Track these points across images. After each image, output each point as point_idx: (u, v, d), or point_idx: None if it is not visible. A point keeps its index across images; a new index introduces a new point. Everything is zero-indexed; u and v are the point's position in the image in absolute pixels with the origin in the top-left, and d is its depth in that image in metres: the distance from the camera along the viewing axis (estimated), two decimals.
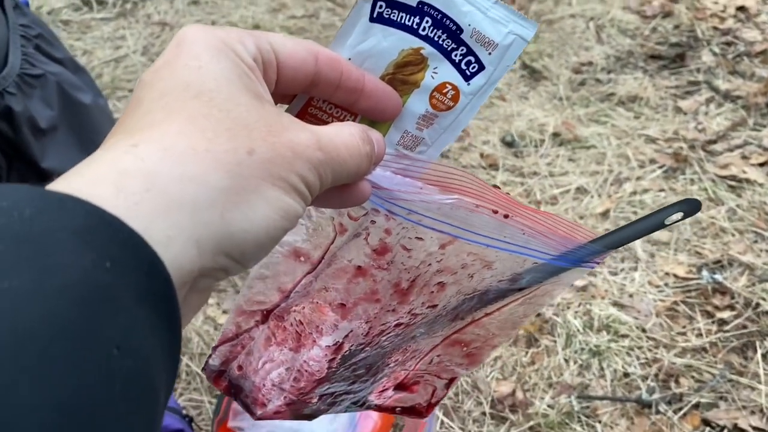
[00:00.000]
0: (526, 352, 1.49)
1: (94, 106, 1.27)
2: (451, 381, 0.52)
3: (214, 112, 0.27)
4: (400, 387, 0.52)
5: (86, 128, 1.24)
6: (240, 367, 0.47)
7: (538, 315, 1.56)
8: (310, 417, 0.49)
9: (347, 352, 0.44)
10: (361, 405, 0.52)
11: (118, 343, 0.20)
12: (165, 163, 0.25)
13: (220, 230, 0.25)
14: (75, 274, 0.20)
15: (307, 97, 0.36)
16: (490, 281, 0.42)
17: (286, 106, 0.36)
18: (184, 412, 1.30)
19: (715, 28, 2.44)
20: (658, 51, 2.36)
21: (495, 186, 0.38)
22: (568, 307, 1.57)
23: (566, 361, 1.48)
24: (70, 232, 0.21)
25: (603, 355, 1.48)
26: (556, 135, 2.04)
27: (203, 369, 0.49)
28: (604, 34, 2.44)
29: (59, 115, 1.19)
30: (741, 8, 2.50)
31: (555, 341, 1.51)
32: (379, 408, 0.52)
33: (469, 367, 0.51)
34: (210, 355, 0.48)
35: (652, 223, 0.39)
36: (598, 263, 0.41)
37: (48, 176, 1.11)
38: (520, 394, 1.41)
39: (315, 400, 0.47)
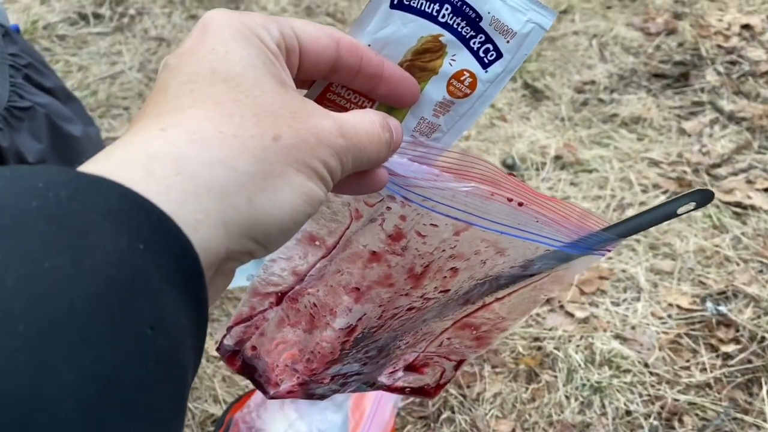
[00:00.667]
0: (527, 388, 1.46)
1: (84, 137, 1.24)
2: (459, 363, 0.53)
3: (241, 97, 0.28)
4: (410, 368, 0.53)
5: (76, 160, 1.21)
6: (254, 348, 0.47)
7: (539, 349, 1.53)
8: (322, 397, 0.50)
9: (360, 335, 0.45)
10: (372, 385, 0.53)
11: (151, 324, 0.21)
12: (194, 147, 0.25)
13: (247, 214, 0.26)
14: (111, 255, 0.20)
15: (327, 82, 0.36)
16: (502, 267, 0.42)
17: (305, 92, 0.36)
18: None
19: (720, 47, 2.41)
20: (661, 70, 2.33)
21: (510, 174, 0.38)
22: (570, 341, 1.54)
23: (567, 397, 1.44)
24: (105, 213, 0.21)
25: (605, 392, 1.45)
26: (557, 158, 2.00)
27: (217, 348, 0.49)
28: (608, 52, 2.41)
29: (48, 148, 1.16)
30: (746, 26, 2.47)
31: (556, 377, 1.48)
32: (388, 388, 0.53)
33: (478, 349, 0.51)
34: (224, 335, 0.48)
35: (665, 212, 0.40)
36: (609, 251, 0.42)
37: None
38: None
39: (327, 381, 0.48)
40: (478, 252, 0.41)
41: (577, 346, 1.53)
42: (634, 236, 1.75)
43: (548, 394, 1.45)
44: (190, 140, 0.26)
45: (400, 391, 0.54)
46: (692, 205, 0.39)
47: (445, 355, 0.52)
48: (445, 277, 0.43)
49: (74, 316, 0.19)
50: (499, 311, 0.47)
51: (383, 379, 0.53)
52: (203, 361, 1.51)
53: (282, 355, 0.46)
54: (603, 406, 1.43)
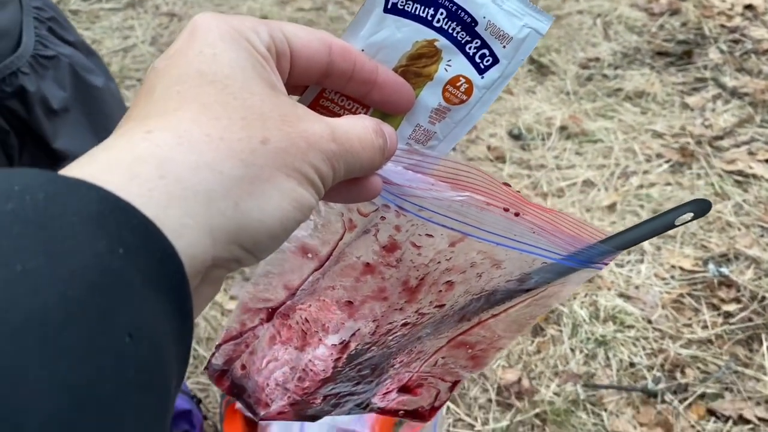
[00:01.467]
0: (532, 341, 1.49)
1: (105, 89, 1.27)
2: (454, 384, 0.51)
3: (229, 100, 0.27)
4: (404, 390, 0.51)
5: (97, 110, 1.25)
6: (243, 367, 0.46)
7: None
8: (314, 418, 0.48)
9: (353, 352, 0.43)
10: (365, 407, 0.51)
11: (130, 331, 0.20)
12: (179, 150, 0.25)
13: (234, 220, 0.25)
14: (88, 259, 0.20)
15: (319, 88, 0.35)
16: (498, 281, 0.41)
17: (298, 98, 0.36)
18: (191, 393, 1.31)
19: (723, 26, 2.44)
20: (665, 48, 2.37)
21: (505, 183, 0.38)
22: (574, 298, 1.57)
23: (572, 350, 1.48)
24: (84, 217, 0.20)
25: (609, 345, 1.49)
26: (563, 128, 2.04)
27: (206, 368, 0.47)
28: (612, 31, 2.45)
29: (71, 96, 1.20)
30: (748, 6, 2.51)
31: (561, 331, 1.51)
32: (382, 411, 0.52)
33: (474, 369, 0.50)
34: (213, 354, 0.47)
35: (662, 223, 0.39)
36: (606, 264, 0.41)
37: (59, 157, 1.12)
38: (526, 382, 1.42)
39: (319, 401, 0.47)
40: (474, 264, 0.40)
41: (582, 302, 1.57)
42: (638, 202, 1.79)
43: (553, 347, 1.48)
44: (176, 143, 0.25)
45: (393, 413, 0.53)
46: (690, 215, 0.38)
47: (440, 376, 0.51)
48: (441, 291, 0.41)
49: (47, 321, 0.18)
50: (495, 328, 0.46)
51: (377, 400, 0.51)
52: (218, 314, 1.55)
53: (273, 373, 0.45)
54: (607, 358, 1.47)
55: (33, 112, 1.14)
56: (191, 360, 1.48)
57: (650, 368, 1.45)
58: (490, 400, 1.40)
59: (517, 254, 0.39)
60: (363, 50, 0.35)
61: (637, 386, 1.42)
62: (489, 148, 1.99)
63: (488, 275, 0.41)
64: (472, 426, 1.37)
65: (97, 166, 0.24)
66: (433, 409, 0.53)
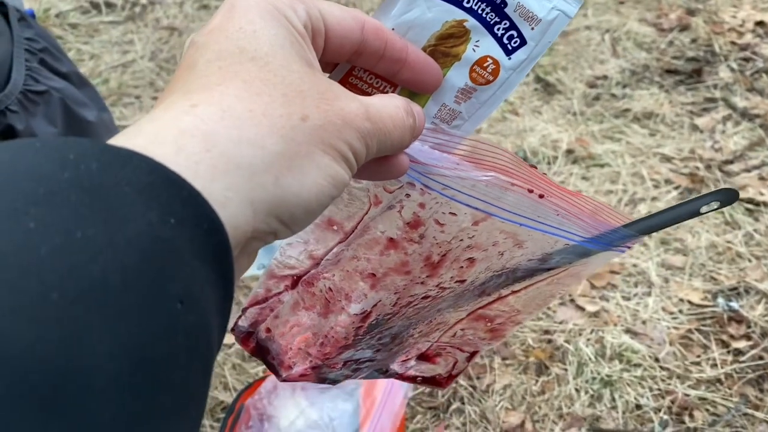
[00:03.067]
0: (536, 381, 1.45)
1: (98, 122, 1.24)
2: (472, 354, 0.53)
3: (270, 77, 0.27)
4: (423, 357, 0.52)
5: None
6: (268, 330, 0.47)
7: (549, 342, 1.53)
8: (334, 381, 0.50)
9: (374, 321, 0.44)
10: (384, 372, 0.52)
11: (181, 297, 0.21)
12: (223, 124, 0.25)
13: (274, 193, 0.26)
14: (142, 228, 0.20)
15: (349, 66, 0.36)
16: (519, 259, 0.42)
17: (328, 75, 0.36)
18: None
19: (733, 43, 2.39)
20: (674, 66, 2.32)
21: (532, 165, 0.38)
22: (580, 334, 1.54)
23: (577, 391, 1.44)
24: (136, 187, 0.21)
25: (615, 385, 1.45)
26: (569, 152, 2.00)
27: (232, 330, 0.48)
28: (620, 47, 2.40)
29: (62, 132, 1.17)
30: (760, 23, 2.46)
31: (566, 369, 1.48)
32: (400, 377, 0.53)
33: (492, 341, 0.51)
34: (240, 316, 0.48)
35: (688, 210, 0.39)
36: (629, 248, 0.41)
37: None
38: (529, 426, 1.38)
39: (339, 366, 0.48)
40: (496, 243, 0.40)
41: (588, 339, 1.53)
42: None
43: (558, 387, 1.44)
44: (220, 117, 0.25)
45: (411, 379, 0.54)
46: (716, 204, 0.38)
47: (458, 346, 0.52)
48: (462, 267, 0.42)
49: (107, 288, 0.19)
50: (515, 304, 0.47)
51: (395, 366, 0.53)
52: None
53: (296, 338, 0.46)
54: (613, 399, 1.43)
55: None
56: None
57: (657, 410, 1.41)
58: None
59: (539, 235, 0.39)
60: (393, 29, 0.36)
61: (643, 430, 1.38)
62: None
63: (510, 254, 0.41)
64: None
65: (145, 138, 0.24)
66: (450, 377, 0.54)
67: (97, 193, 0.20)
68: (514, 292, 0.46)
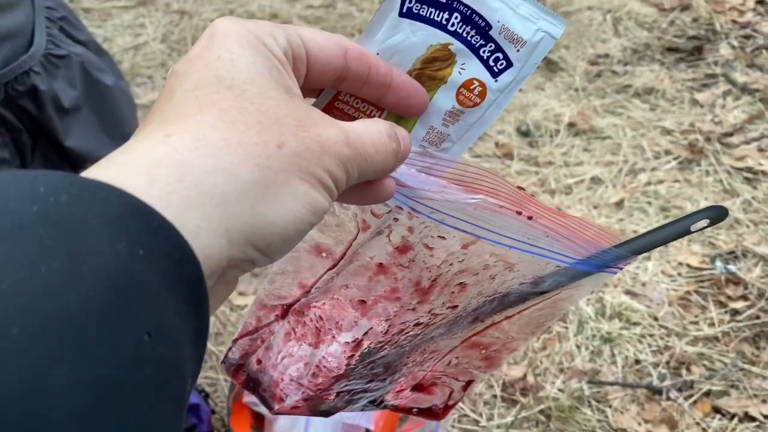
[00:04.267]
0: (538, 338, 1.50)
1: (115, 87, 1.29)
2: (468, 384, 0.52)
3: (246, 105, 0.27)
4: (418, 388, 0.52)
5: (108, 109, 1.27)
6: (259, 361, 0.47)
7: None
8: (327, 413, 0.49)
9: (366, 350, 0.44)
10: (378, 404, 0.51)
11: (149, 330, 0.20)
12: (198, 154, 0.25)
13: (250, 222, 0.26)
14: (109, 260, 0.20)
15: (335, 91, 0.36)
16: (511, 283, 0.41)
17: (314, 100, 0.36)
18: (200, 387, 1.33)
19: (734, 22, 2.43)
20: (675, 44, 2.36)
21: (519, 187, 0.38)
22: None
23: (578, 347, 1.49)
24: (105, 219, 0.21)
25: (614, 342, 1.49)
26: (571, 125, 2.04)
27: (222, 362, 0.49)
28: (622, 27, 2.44)
29: (82, 95, 1.22)
30: (761, 2, 2.49)
31: (567, 327, 1.52)
32: (395, 408, 0.52)
33: (487, 370, 0.50)
34: (230, 348, 0.48)
35: (678, 229, 0.39)
36: (621, 269, 0.41)
37: (71, 154, 1.13)
38: (531, 378, 1.42)
39: (332, 397, 0.47)
40: (487, 267, 0.40)
41: (588, 299, 1.57)
42: (646, 199, 1.78)
43: (559, 344, 1.49)
44: (194, 147, 0.25)
45: (407, 411, 0.53)
46: (706, 221, 0.38)
47: (453, 375, 0.51)
48: (453, 292, 0.42)
49: (70, 321, 0.19)
50: (509, 330, 0.46)
51: (390, 398, 0.52)
52: (227, 309, 1.57)
53: (287, 369, 0.46)
54: (613, 355, 1.47)
55: (45, 111, 1.16)
56: None
57: (656, 365, 1.46)
58: (495, 396, 1.41)
59: (530, 257, 0.39)
60: (378, 53, 0.36)
61: (642, 383, 1.43)
62: (497, 144, 2.00)
63: (501, 277, 0.41)
64: (476, 422, 1.38)
65: (117, 169, 0.24)
66: (447, 408, 0.53)
67: (65, 226, 0.20)
68: (507, 317, 0.45)
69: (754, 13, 2.45)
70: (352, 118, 0.36)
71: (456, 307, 0.43)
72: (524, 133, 2.02)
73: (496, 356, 0.49)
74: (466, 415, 1.39)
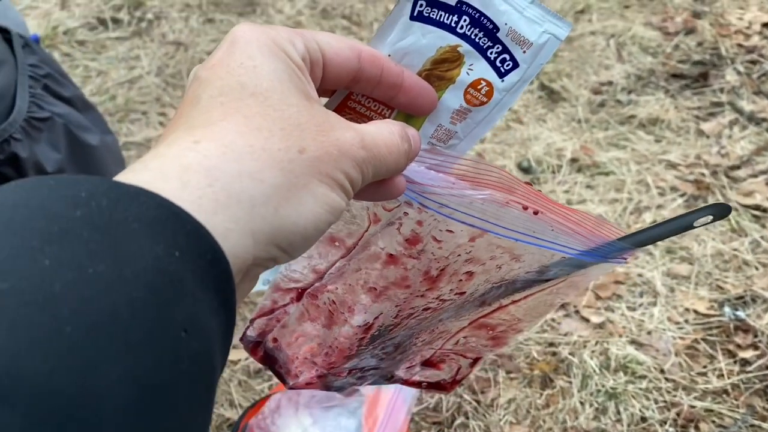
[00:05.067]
0: (541, 394, 1.45)
1: (101, 146, 1.26)
2: (476, 360, 0.54)
3: (269, 111, 0.29)
4: (427, 364, 0.54)
5: (93, 170, 1.24)
6: (275, 339, 0.49)
7: (554, 354, 1.52)
8: (340, 389, 0.51)
9: (376, 332, 0.45)
10: (389, 379, 0.54)
11: (185, 327, 0.22)
12: (225, 159, 0.27)
13: (273, 223, 0.27)
14: (149, 262, 0.22)
15: (348, 91, 0.37)
16: (517, 272, 0.43)
17: (327, 100, 0.38)
18: None
19: (740, 46, 2.37)
20: (680, 70, 2.31)
21: (527, 182, 0.39)
22: (585, 346, 1.53)
23: (582, 403, 1.44)
24: (143, 223, 0.23)
25: (620, 397, 1.44)
26: (574, 160, 1.99)
27: (241, 339, 0.50)
28: (625, 52, 2.39)
29: (66, 158, 1.18)
30: (767, 25, 2.43)
31: (571, 382, 1.48)
32: (405, 382, 0.55)
33: (494, 348, 0.52)
34: (248, 327, 0.50)
35: (682, 224, 0.40)
36: (625, 260, 0.42)
37: None
38: None
39: (345, 374, 0.49)
40: (494, 257, 0.41)
41: (593, 351, 1.52)
42: None
43: (563, 400, 1.44)
44: (221, 153, 0.27)
45: (416, 385, 0.55)
46: (709, 218, 0.39)
47: (461, 353, 0.53)
48: (461, 280, 0.43)
49: (116, 320, 0.20)
50: (515, 313, 0.48)
51: (400, 373, 0.54)
52: None
53: (302, 347, 0.48)
54: (618, 412, 1.43)
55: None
56: None
57: (663, 423, 1.41)
58: None
59: (536, 249, 0.40)
60: (390, 55, 0.37)
61: None
62: None
63: (508, 267, 0.42)
64: None
65: (150, 174, 0.26)
66: (455, 382, 0.55)
67: (107, 230, 0.22)
68: (514, 301, 0.47)
69: (761, 36, 2.40)
70: (364, 117, 0.38)
71: (463, 293, 0.44)
72: (525, 170, 1.97)
73: (503, 336, 0.51)
74: None
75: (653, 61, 2.34)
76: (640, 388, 1.46)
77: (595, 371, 1.49)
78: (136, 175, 0.26)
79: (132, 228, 0.22)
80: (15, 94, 1.12)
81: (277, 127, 0.28)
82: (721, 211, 0.40)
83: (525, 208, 0.39)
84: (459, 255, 0.41)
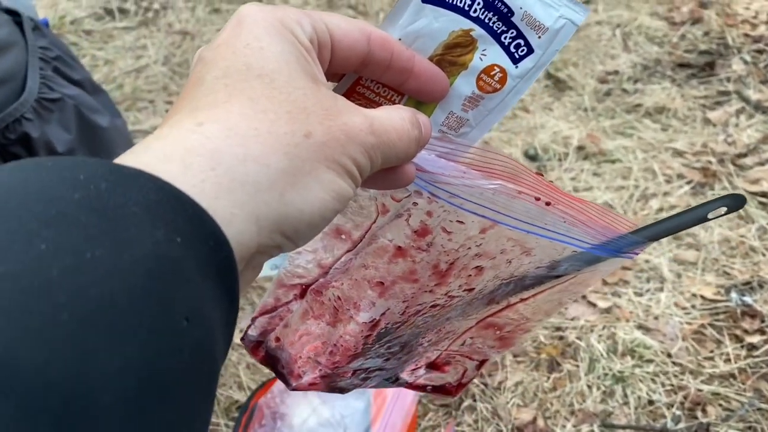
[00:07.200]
0: (548, 378, 1.46)
1: (111, 127, 1.26)
2: (482, 363, 0.53)
3: (275, 94, 0.28)
4: (432, 366, 0.53)
5: (104, 151, 1.24)
6: (278, 339, 0.47)
7: (561, 339, 1.53)
8: (344, 390, 0.50)
9: (383, 330, 0.44)
10: (393, 381, 0.53)
11: (187, 315, 0.21)
12: (229, 142, 0.26)
13: (278, 210, 0.26)
14: (149, 247, 0.21)
15: (356, 76, 0.36)
16: (527, 267, 0.42)
17: (335, 85, 0.36)
18: None
19: (747, 35, 2.37)
20: (686, 59, 2.31)
21: (538, 173, 0.38)
22: (592, 331, 1.54)
23: (589, 387, 1.44)
24: (143, 206, 0.22)
25: (627, 381, 1.45)
26: (580, 148, 1.99)
27: (242, 339, 0.49)
28: (631, 42, 2.39)
29: (77, 138, 1.19)
30: None
31: (578, 366, 1.48)
32: (410, 385, 0.53)
33: (501, 350, 0.51)
34: (249, 326, 0.48)
35: (695, 216, 0.39)
36: (637, 254, 0.41)
37: None
38: (541, 422, 1.38)
39: (349, 374, 0.48)
40: (504, 251, 0.40)
41: (600, 335, 1.53)
42: None
43: (570, 384, 1.45)
44: (225, 136, 0.26)
45: (421, 388, 0.54)
46: (723, 209, 0.38)
47: (467, 354, 0.52)
48: (470, 275, 0.42)
49: (115, 308, 0.19)
50: (524, 312, 0.47)
51: (405, 375, 0.53)
52: None
53: (305, 347, 0.47)
54: (625, 395, 1.43)
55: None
56: None
57: (670, 406, 1.41)
58: None
59: (547, 242, 0.39)
60: (400, 39, 0.36)
61: (656, 426, 1.38)
62: None
63: (518, 261, 0.41)
64: None
65: (152, 157, 0.25)
66: (460, 385, 0.54)
67: (106, 214, 0.21)
68: (522, 299, 0.46)
69: (767, 26, 2.39)
70: (373, 103, 0.37)
71: (472, 289, 0.43)
72: (532, 157, 1.98)
73: (510, 337, 0.50)
74: None
75: (659, 51, 2.34)
76: (648, 372, 1.46)
77: (602, 355, 1.49)
78: (137, 157, 0.25)
79: (132, 212, 0.21)
80: (26, 75, 1.13)
81: (283, 110, 0.28)
82: (736, 203, 0.38)
83: (537, 199, 0.37)
84: (469, 248, 0.40)
